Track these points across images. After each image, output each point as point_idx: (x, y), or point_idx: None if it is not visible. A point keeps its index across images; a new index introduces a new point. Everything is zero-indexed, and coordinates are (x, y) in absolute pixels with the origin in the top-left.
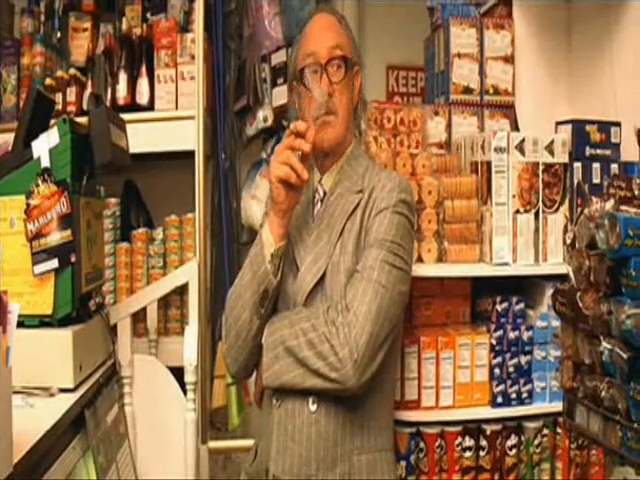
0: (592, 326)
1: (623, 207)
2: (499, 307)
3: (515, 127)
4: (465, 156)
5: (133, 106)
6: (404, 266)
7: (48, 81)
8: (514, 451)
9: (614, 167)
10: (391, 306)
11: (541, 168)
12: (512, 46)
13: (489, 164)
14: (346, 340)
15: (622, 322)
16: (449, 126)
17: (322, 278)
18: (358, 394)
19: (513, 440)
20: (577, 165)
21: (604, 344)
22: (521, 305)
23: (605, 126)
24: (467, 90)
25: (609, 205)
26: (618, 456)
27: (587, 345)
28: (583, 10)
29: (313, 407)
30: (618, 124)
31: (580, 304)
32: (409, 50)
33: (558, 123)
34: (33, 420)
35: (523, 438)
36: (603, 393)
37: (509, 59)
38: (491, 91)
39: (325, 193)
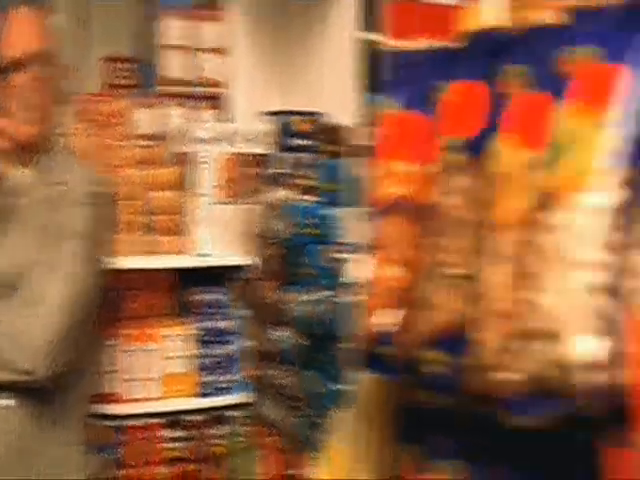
0: (271, 315)
1: (305, 196)
2: (202, 298)
3: (225, 118)
4: (172, 147)
5: None
6: (98, 258)
7: None
8: (220, 440)
9: (308, 157)
10: (83, 298)
11: (245, 159)
12: (226, 38)
13: (192, 155)
14: (34, 332)
15: (294, 309)
16: (160, 117)
17: (17, 272)
18: (49, 387)
19: (218, 430)
20: (280, 155)
21: (281, 332)
22: (223, 296)
23: (309, 117)
24: (177, 82)
25: (288, 194)
26: (293, 441)
27: (268, 334)
28: (296, 4)
29: (3, 401)
30: (318, 115)
31: (260, 293)
32: (124, 41)
33: (265, 114)
34: None
35: (228, 427)
36: (281, 381)
37: (222, 51)
38: (202, 83)
39: (21, 186)
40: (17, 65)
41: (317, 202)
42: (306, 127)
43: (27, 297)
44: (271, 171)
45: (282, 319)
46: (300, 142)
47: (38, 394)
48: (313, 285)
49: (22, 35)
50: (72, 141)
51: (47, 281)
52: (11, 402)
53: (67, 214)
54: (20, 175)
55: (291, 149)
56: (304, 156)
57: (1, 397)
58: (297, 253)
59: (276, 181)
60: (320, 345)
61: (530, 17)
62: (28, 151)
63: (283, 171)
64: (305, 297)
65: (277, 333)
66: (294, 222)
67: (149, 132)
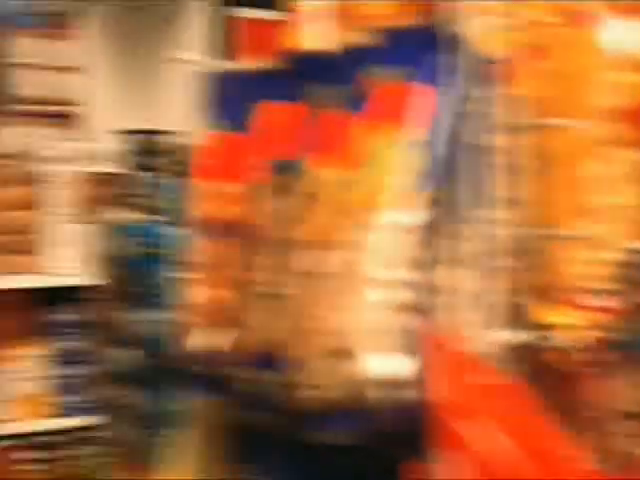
0: (115, 335)
1: (146, 216)
2: (55, 318)
3: (78, 138)
4: (23, 166)
5: None
6: None
7: None
8: (76, 461)
9: (151, 176)
10: None
11: (95, 178)
12: (80, 57)
13: (43, 174)
14: None
15: (136, 329)
16: (10, 136)
17: None
18: None
19: (74, 450)
20: (128, 175)
21: (124, 352)
22: (75, 316)
23: (156, 136)
24: (30, 100)
25: (131, 213)
26: (135, 458)
27: (113, 354)
28: (146, 21)
29: None
30: (168, 134)
31: (106, 313)
32: None
33: (118, 133)
34: None
35: (84, 448)
36: (129, 400)
37: (76, 70)
38: (55, 101)
39: None
40: None
41: (158, 222)
42: (152, 146)
43: None
44: (118, 191)
45: (126, 339)
46: (147, 162)
47: None
48: (153, 305)
49: None
50: None
51: None
52: None
53: None
54: None
55: (140, 168)
56: (148, 175)
57: None
58: (138, 273)
59: (121, 201)
60: (159, 364)
61: (346, 38)
62: None
63: (128, 191)
64: (146, 316)
65: (120, 353)
66: (136, 242)
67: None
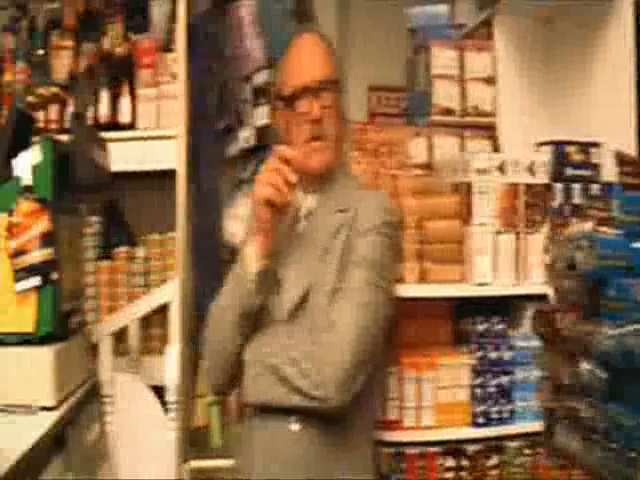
0: (571, 347)
1: (601, 228)
2: (480, 327)
3: (496, 148)
4: (446, 177)
5: (115, 125)
6: (388, 287)
7: (29, 98)
8: (495, 471)
9: (595, 188)
10: (374, 326)
11: (522, 189)
12: (493, 67)
13: (470, 185)
14: (329, 359)
15: (600, 343)
16: (430, 147)
17: (305, 296)
18: (341, 414)
19: (494, 460)
20: (558, 186)
21: (583, 365)
22: (502, 325)
23: (585, 147)
24: (448, 111)
25: (587, 226)
26: (597, 476)
27: (566, 366)
28: (562, 30)
29: (295, 426)
30: (598, 145)
31: (559, 325)
32: (391, 71)
33: (539, 144)
34: (13, 438)
35: (504, 458)
36: (582, 414)
37: (490, 80)
38: (472, 112)
39: (309, 212)
40: (307, 92)
41: (619, 234)
42: (585, 157)
43: (317, 323)
44: (556, 202)
45: (584, 352)
46: (581, 172)
47: (325, 419)
48: (622, 318)
49: (311, 62)
50: (351, 167)
51: (339, 308)
52: (298, 427)
53: (359, 241)
54: (306, 201)
55: (570, 180)
56: (593, 187)
57: (290, 422)
58: (600, 286)
59: (565, 212)
60: (631, 378)
61: None
62: (316, 178)
63: (572, 202)
64: (612, 330)
65: (578, 365)
66: (596, 254)
67: (423, 161)
